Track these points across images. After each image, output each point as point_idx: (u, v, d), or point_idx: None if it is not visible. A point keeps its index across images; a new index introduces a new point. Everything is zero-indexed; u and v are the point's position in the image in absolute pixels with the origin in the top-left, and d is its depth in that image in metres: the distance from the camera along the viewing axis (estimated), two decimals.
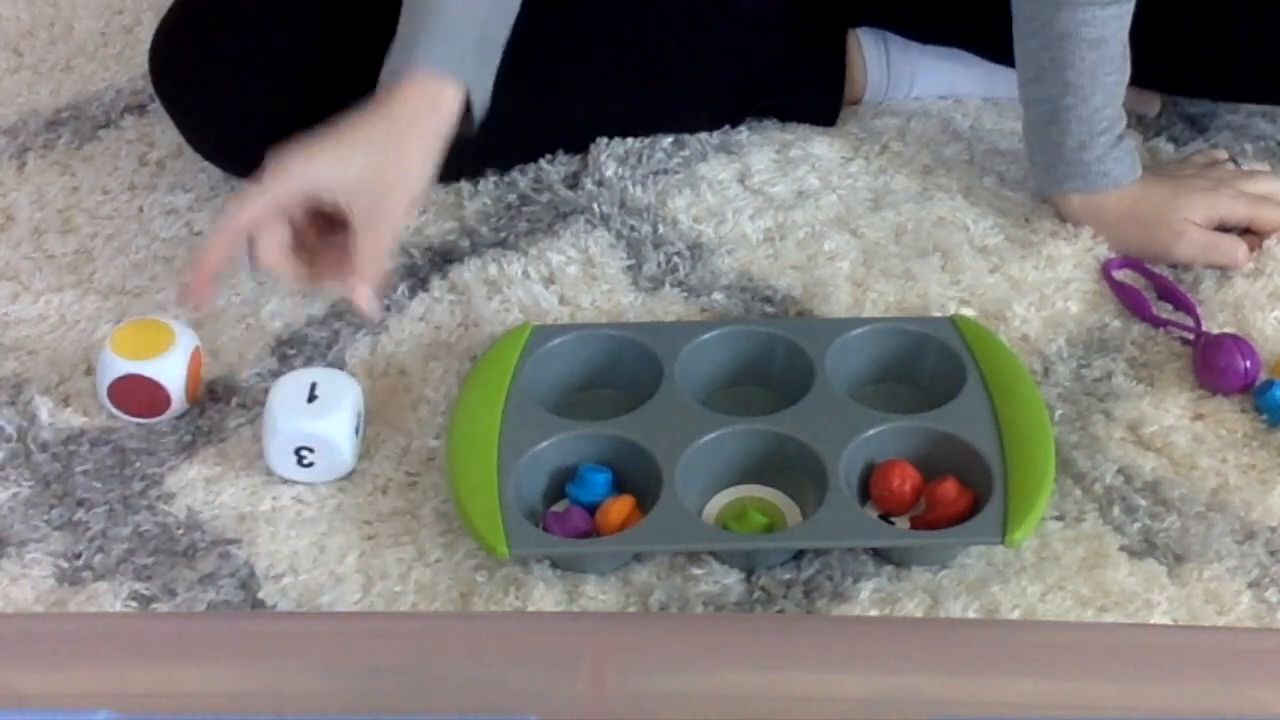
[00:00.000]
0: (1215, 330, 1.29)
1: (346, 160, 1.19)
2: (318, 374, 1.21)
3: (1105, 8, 1.28)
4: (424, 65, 1.21)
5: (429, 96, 1.21)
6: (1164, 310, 1.32)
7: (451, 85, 1.21)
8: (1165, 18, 1.35)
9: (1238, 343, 1.26)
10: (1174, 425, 1.23)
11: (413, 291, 1.34)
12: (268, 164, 1.19)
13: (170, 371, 1.22)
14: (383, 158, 1.19)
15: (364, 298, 1.19)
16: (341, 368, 1.27)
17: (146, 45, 1.41)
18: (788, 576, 1.13)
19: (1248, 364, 1.25)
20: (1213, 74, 1.45)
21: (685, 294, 1.34)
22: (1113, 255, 1.36)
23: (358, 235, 1.18)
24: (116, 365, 1.22)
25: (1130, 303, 1.32)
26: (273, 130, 1.36)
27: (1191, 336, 1.28)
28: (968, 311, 1.31)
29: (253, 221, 1.19)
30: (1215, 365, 1.25)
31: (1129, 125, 1.36)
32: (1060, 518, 1.17)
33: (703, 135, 1.48)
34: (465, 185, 1.44)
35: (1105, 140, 1.33)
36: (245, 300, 1.34)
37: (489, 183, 1.44)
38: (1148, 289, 1.34)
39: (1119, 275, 1.34)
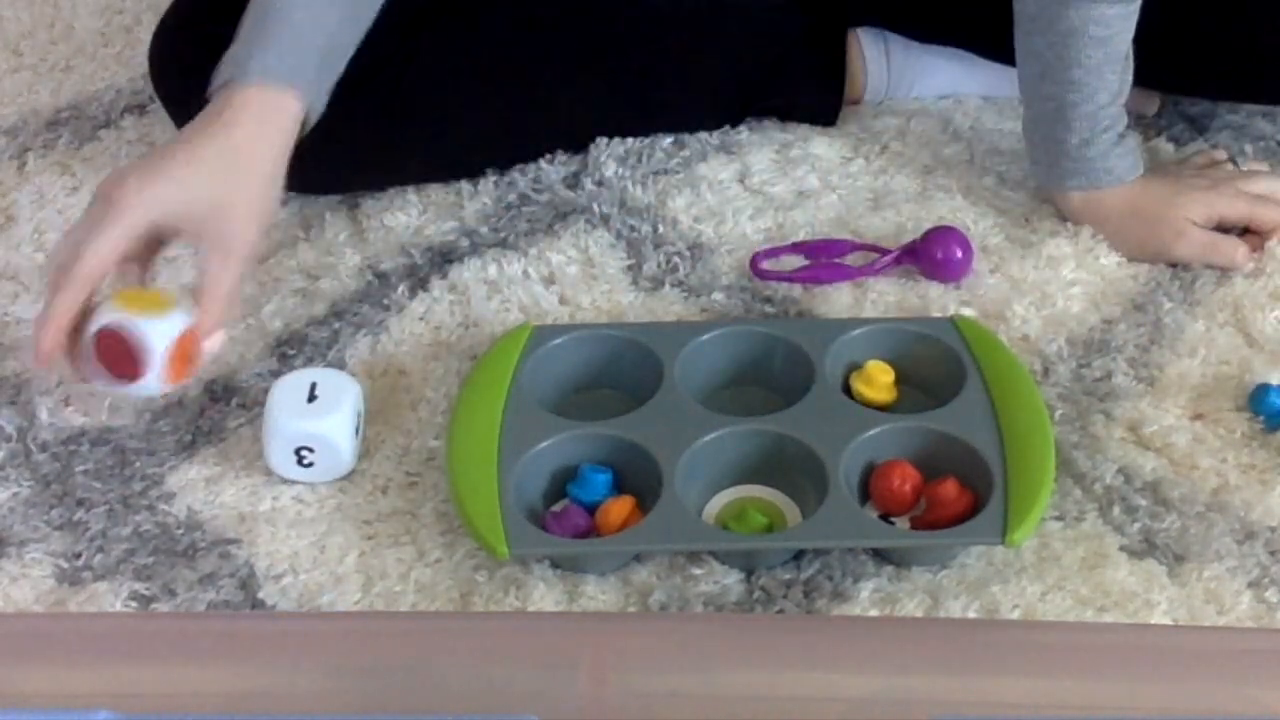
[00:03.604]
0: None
1: (187, 183, 1.11)
2: (318, 374, 1.21)
3: (1112, 6, 1.28)
4: (263, 76, 1.13)
5: (269, 108, 1.13)
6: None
7: (290, 96, 1.14)
8: (1165, 18, 1.35)
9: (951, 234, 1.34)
10: (1174, 425, 1.23)
11: (413, 291, 1.34)
12: (96, 199, 1.10)
13: (157, 332, 1.15)
14: (225, 176, 1.11)
15: (212, 338, 1.13)
16: (341, 368, 1.27)
17: (146, 45, 1.41)
18: (788, 576, 1.13)
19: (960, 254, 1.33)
20: (1213, 74, 1.45)
21: (685, 294, 1.34)
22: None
23: (207, 260, 1.12)
24: (107, 313, 1.15)
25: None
26: None
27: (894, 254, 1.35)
28: (968, 311, 1.31)
29: (104, 266, 1.10)
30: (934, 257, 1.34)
31: (1129, 125, 1.36)
32: (1060, 518, 1.17)
33: (703, 135, 1.49)
34: (465, 185, 1.44)
35: (1109, 137, 1.34)
36: (245, 300, 1.34)
37: (489, 183, 1.44)
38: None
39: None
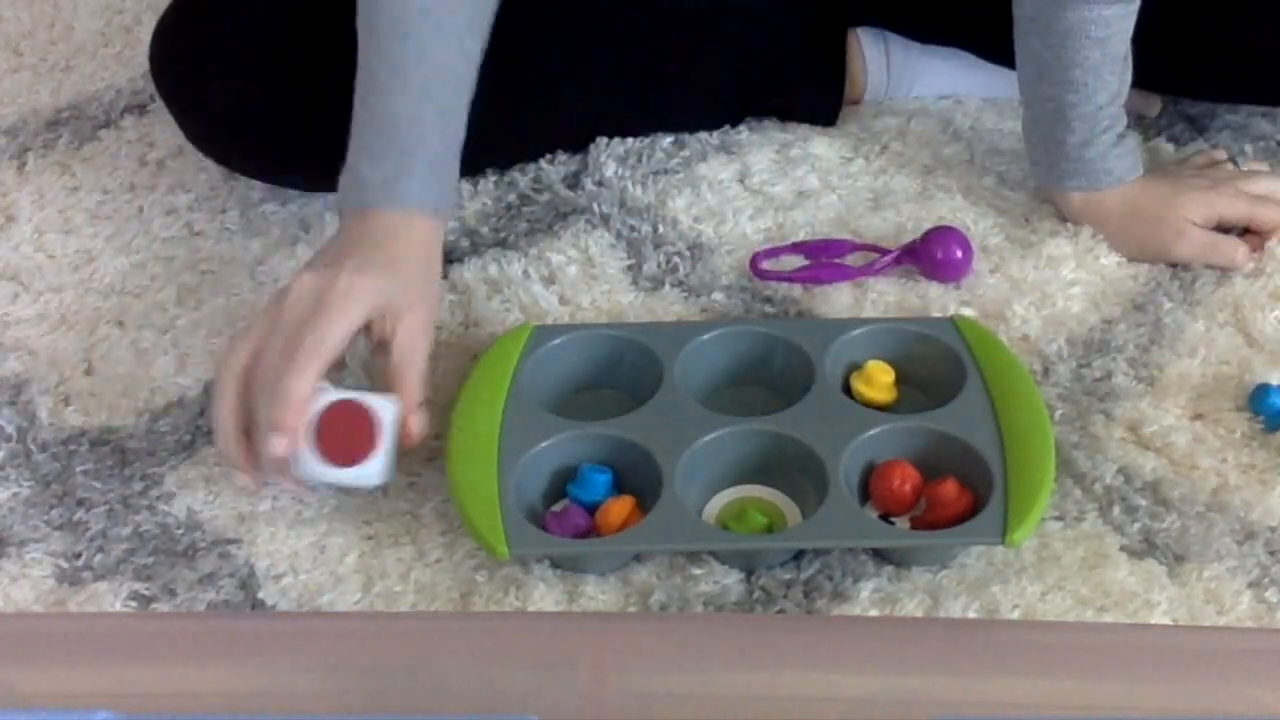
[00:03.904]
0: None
1: (390, 282, 1.15)
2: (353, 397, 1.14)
3: (1110, 6, 1.28)
4: (410, 203, 1.18)
5: (424, 231, 1.19)
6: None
7: (440, 219, 1.22)
8: (1165, 19, 1.35)
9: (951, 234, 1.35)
10: (1174, 425, 1.23)
11: None
12: (306, 296, 1.13)
13: (385, 407, 1.13)
14: (409, 279, 1.17)
15: (418, 420, 1.15)
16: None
17: (146, 45, 1.41)
18: (788, 576, 1.13)
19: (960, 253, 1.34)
20: (1213, 74, 1.45)
21: (685, 294, 1.34)
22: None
23: (399, 349, 1.15)
24: (328, 394, 1.12)
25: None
26: (273, 125, 1.36)
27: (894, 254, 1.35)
28: (968, 311, 1.31)
29: (336, 349, 1.13)
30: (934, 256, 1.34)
31: (1129, 125, 1.36)
32: (1060, 518, 1.17)
33: (703, 135, 1.49)
34: (465, 185, 1.44)
35: (1108, 138, 1.34)
36: (244, 300, 1.34)
37: (489, 183, 1.44)
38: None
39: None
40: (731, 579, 1.13)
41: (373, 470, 1.12)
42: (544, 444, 1.17)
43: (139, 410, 1.26)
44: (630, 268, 1.37)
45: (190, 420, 1.24)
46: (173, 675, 0.98)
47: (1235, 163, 1.44)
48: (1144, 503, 1.17)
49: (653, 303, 1.34)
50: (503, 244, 1.39)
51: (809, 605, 1.12)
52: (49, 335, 1.32)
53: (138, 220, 1.42)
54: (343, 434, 1.12)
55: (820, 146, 1.48)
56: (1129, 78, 1.34)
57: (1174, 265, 1.35)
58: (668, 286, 1.35)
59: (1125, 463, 1.20)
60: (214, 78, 1.37)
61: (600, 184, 1.43)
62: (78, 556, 1.15)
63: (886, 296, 1.34)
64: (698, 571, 1.14)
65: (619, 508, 1.14)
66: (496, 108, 1.41)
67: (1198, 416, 1.24)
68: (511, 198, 1.43)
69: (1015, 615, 1.11)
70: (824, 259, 1.37)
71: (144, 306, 1.34)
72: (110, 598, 1.12)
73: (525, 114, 1.43)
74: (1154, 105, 1.51)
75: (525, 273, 1.36)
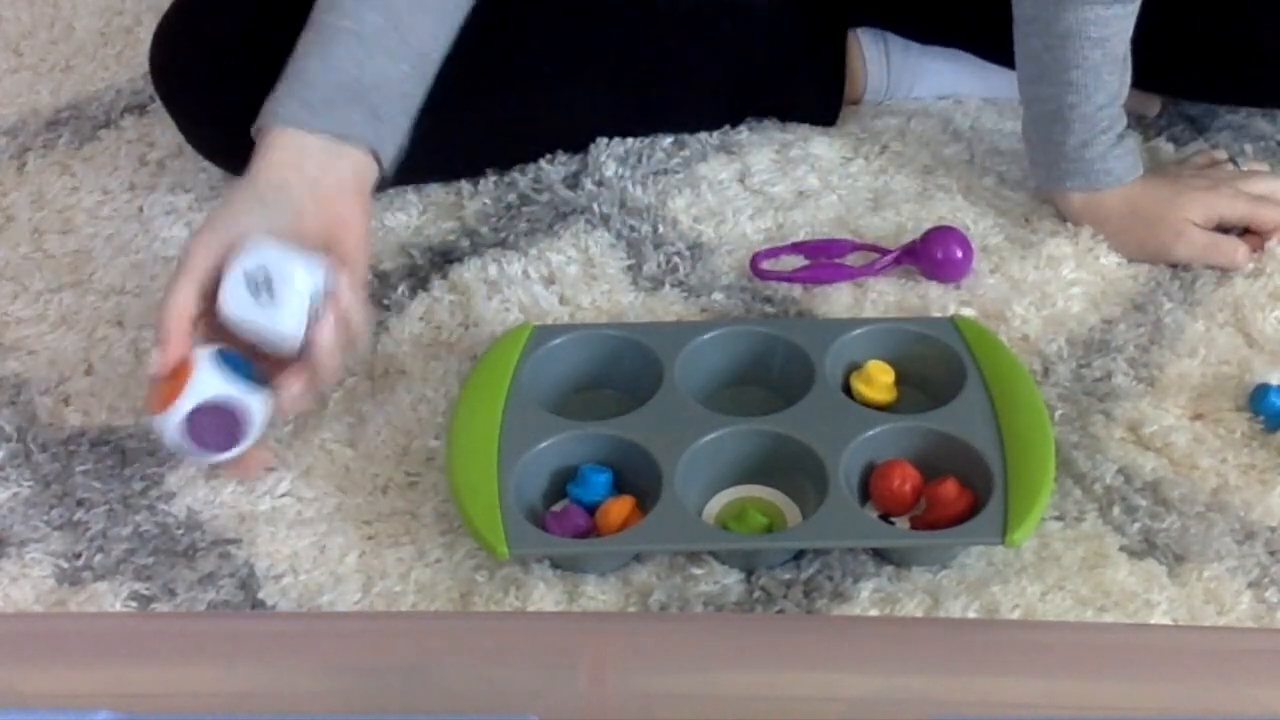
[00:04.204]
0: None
1: (232, 223, 1.15)
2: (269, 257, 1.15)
3: (1109, 7, 1.28)
4: (273, 119, 1.18)
5: (289, 148, 1.18)
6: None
7: (307, 134, 1.18)
8: (1165, 20, 1.35)
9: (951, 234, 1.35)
10: (1174, 425, 1.23)
11: (413, 291, 1.34)
12: (187, 247, 1.16)
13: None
14: (260, 213, 1.16)
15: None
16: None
17: (146, 45, 1.41)
18: (788, 576, 1.13)
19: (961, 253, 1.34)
20: (1213, 76, 1.45)
21: (685, 294, 1.34)
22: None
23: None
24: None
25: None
26: None
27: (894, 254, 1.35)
28: (968, 311, 1.31)
29: (185, 315, 1.15)
30: (934, 256, 1.34)
31: (1129, 125, 1.36)
32: (1060, 518, 1.17)
33: (703, 135, 1.49)
34: (465, 185, 1.44)
35: (1107, 139, 1.34)
36: None
37: (489, 183, 1.44)
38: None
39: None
40: (731, 579, 1.13)
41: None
42: (544, 444, 1.17)
43: (139, 410, 1.25)
44: (630, 268, 1.37)
45: None
46: (173, 675, 0.98)
47: (1235, 163, 1.44)
48: (1144, 503, 1.17)
49: (653, 303, 1.34)
50: (503, 244, 1.39)
51: (809, 605, 1.12)
52: (49, 335, 1.32)
53: (138, 220, 1.42)
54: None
55: (820, 146, 1.48)
56: (1128, 78, 1.34)
57: (1174, 265, 1.36)
58: (668, 286, 1.35)
59: (1125, 463, 1.20)
60: (214, 80, 1.37)
61: (600, 184, 1.43)
62: (78, 556, 1.15)
63: (886, 296, 1.34)
64: (698, 571, 1.14)
65: (619, 508, 1.14)
66: (497, 108, 1.41)
67: (1198, 416, 1.24)
68: (511, 198, 1.43)
69: (1015, 615, 1.11)
70: (824, 259, 1.37)
71: (144, 306, 1.34)
72: (110, 598, 1.12)
73: (525, 114, 1.43)
74: (1154, 105, 1.51)
75: (525, 273, 1.36)
